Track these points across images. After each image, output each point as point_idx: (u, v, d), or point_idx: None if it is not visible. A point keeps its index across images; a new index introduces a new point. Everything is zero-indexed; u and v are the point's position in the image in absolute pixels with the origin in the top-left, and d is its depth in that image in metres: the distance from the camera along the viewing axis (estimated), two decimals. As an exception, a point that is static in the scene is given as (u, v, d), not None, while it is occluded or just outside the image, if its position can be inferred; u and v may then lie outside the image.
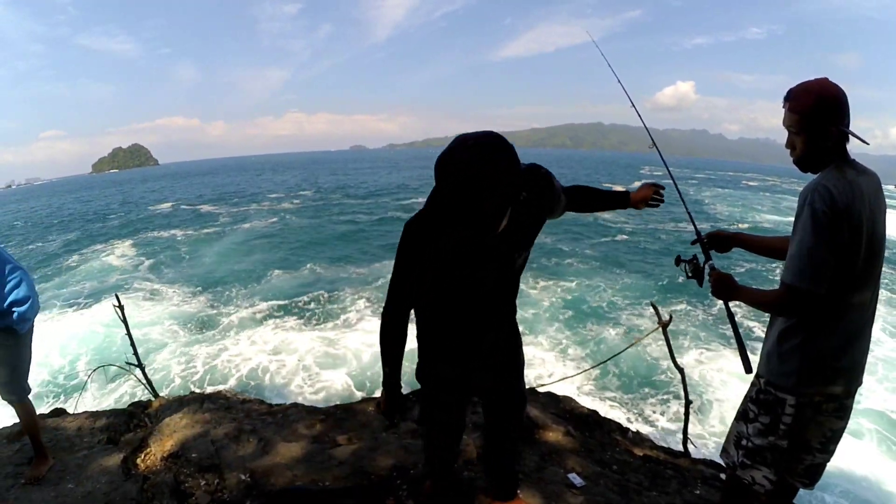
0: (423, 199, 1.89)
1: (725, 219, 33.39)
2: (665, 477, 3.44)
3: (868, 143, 2.03)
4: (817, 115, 1.82)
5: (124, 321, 5.49)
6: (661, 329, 4.25)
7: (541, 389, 4.79)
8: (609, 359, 4.94)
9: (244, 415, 4.20)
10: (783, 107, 1.91)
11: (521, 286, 2.20)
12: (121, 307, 5.50)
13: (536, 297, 15.09)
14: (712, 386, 9.49)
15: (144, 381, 5.67)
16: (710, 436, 7.63)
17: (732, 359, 10.19)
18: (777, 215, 35.60)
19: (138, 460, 3.51)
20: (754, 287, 2.09)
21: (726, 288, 2.10)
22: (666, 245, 23.82)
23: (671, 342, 4.35)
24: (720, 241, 2.42)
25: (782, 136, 1.96)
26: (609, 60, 3.10)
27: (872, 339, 2.01)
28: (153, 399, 4.88)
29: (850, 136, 1.85)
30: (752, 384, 2.11)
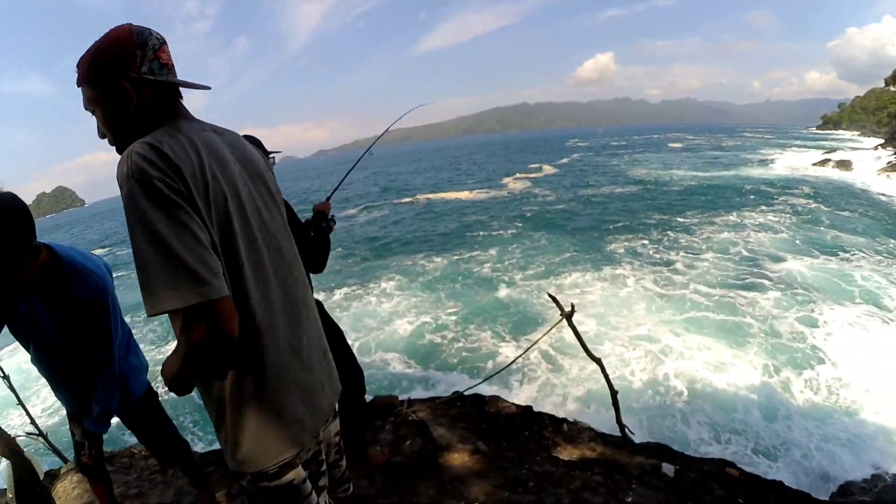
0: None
1: (648, 181, 35.12)
2: (591, 487, 3.17)
3: (209, 87, 1.51)
4: (96, 75, 1.31)
5: (12, 389, 5.07)
6: (564, 321, 4.10)
7: (467, 392, 4.59)
8: (513, 361, 4.77)
9: (136, 475, 4.02)
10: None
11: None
12: (6, 377, 5.08)
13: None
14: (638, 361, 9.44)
15: (51, 449, 5.23)
16: (648, 419, 7.59)
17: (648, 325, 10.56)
18: (695, 171, 38.10)
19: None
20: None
21: None
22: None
23: (579, 331, 4.20)
24: None
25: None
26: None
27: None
28: (63, 465, 4.60)
29: (178, 83, 1.39)
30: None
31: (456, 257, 18.03)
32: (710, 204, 24.58)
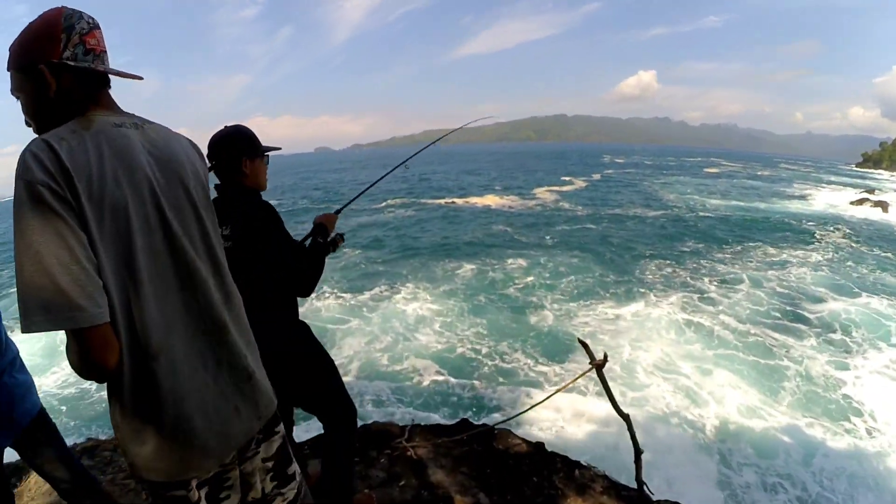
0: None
1: (681, 206, 34.35)
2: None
3: (141, 78, 1.39)
4: (21, 59, 1.23)
5: None
6: (594, 370, 3.68)
7: (477, 423, 4.26)
8: (536, 405, 4.32)
9: (111, 476, 3.69)
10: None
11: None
12: None
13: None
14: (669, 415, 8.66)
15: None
16: (673, 479, 7.00)
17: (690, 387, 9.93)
18: (723, 200, 36.96)
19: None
20: None
21: None
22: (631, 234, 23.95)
23: (609, 385, 3.77)
24: None
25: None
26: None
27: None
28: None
29: (103, 71, 1.29)
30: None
31: (483, 268, 17.64)
32: (745, 235, 23.80)
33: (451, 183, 53.07)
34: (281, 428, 1.62)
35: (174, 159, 1.36)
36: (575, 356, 10.23)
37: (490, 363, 10.42)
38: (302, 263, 2.32)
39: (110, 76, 1.34)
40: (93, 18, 1.29)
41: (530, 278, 16.23)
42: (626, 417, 3.62)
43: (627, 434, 3.64)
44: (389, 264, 19.06)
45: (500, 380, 9.78)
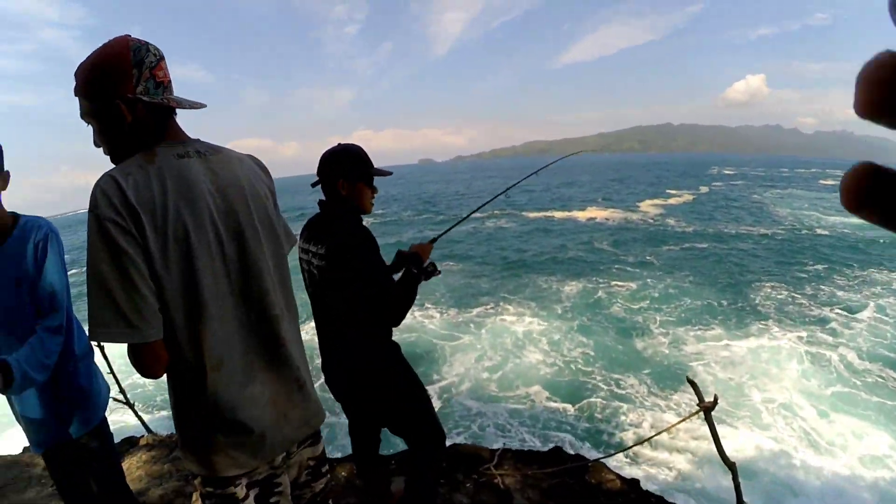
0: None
1: (795, 223, 31.94)
2: None
3: (204, 105, 1.48)
4: (92, 90, 1.32)
5: (104, 357, 5.24)
6: (702, 412, 3.37)
7: (570, 453, 3.99)
8: (637, 444, 3.99)
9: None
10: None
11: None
12: (100, 346, 5.23)
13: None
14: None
15: (136, 417, 5.53)
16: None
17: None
18: (841, 216, 33.42)
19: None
20: None
21: None
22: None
23: (716, 427, 3.44)
24: None
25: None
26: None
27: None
28: (146, 435, 4.87)
29: (170, 105, 1.39)
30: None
31: (588, 286, 17.29)
32: (868, 257, 21.58)
33: (552, 195, 52.53)
34: (321, 435, 1.78)
35: (235, 185, 1.45)
36: (683, 390, 9.82)
37: (594, 390, 10.16)
38: (393, 290, 2.26)
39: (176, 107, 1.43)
40: (158, 49, 1.38)
41: (636, 299, 15.77)
42: (731, 466, 3.40)
43: (732, 482, 3.45)
44: (493, 279, 19.07)
45: (603, 409, 9.46)
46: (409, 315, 2.32)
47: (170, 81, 1.41)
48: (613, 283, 17.66)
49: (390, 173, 2.45)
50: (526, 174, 3.86)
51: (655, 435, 3.86)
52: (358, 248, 2.21)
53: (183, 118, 1.49)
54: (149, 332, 1.26)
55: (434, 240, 2.76)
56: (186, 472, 3.25)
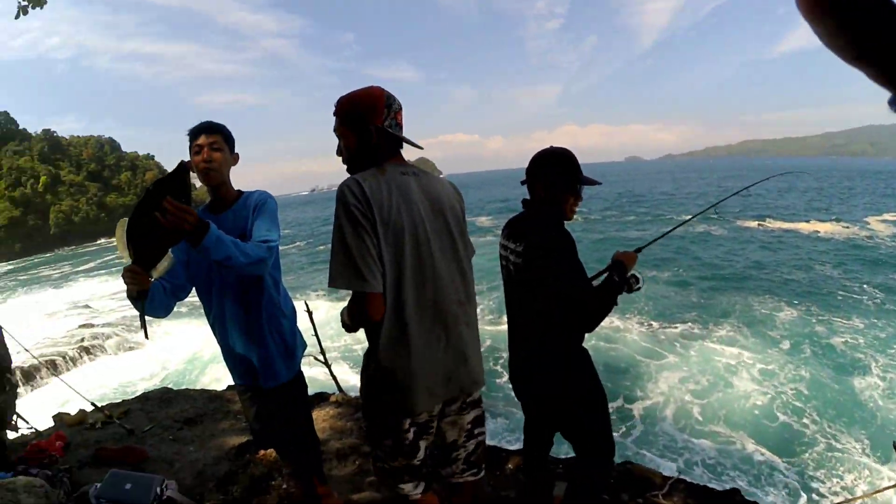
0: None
1: None
2: None
3: (422, 147, 2.13)
4: (352, 116, 1.90)
5: (311, 319, 5.92)
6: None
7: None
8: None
9: None
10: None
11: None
12: (309, 312, 5.83)
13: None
14: None
15: (331, 377, 6.14)
16: None
17: None
18: None
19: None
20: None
21: None
22: None
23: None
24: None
25: None
26: None
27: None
28: (336, 393, 5.41)
29: (401, 139, 1.95)
30: None
31: (805, 314, 15.18)
32: None
33: (769, 200, 47.28)
34: (482, 405, 2.14)
35: (437, 200, 1.94)
36: None
37: (798, 436, 8.99)
38: (590, 295, 2.27)
39: (403, 141, 1.97)
40: (399, 102, 1.94)
41: (859, 334, 13.50)
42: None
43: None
44: (700, 294, 17.84)
45: (801, 457, 8.36)
46: (608, 323, 2.29)
47: (402, 126, 1.95)
48: (834, 313, 15.23)
49: (598, 183, 2.51)
50: (744, 181, 3.50)
51: (854, 499, 3.43)
52: (555, 251, 2.25)
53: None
54: (374, 284, 1.73)
55: (639, 249, 2.69)
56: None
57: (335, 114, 1.94)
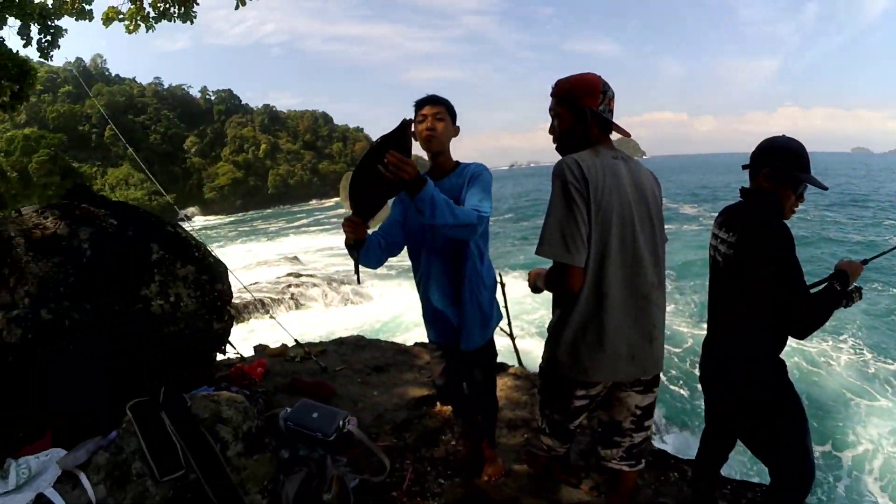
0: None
1: None
2: None
3: (629, 135, 2.14)
4: (570, 98, 2.02)
5: (504, 296, 5.87)
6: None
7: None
8: None
9: None
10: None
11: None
12: (502, 284, 6.00)
13: None
14: None
15: (514, 349, 6.25)
16: None
17: None
18: None
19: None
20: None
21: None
22: None
23: None
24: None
25: None
26: None
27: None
28: (516, 366, 5.60)
29: (612, 124, 2.06)
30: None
31: None
32: None
33: None
34: (656, 390, 2.17)
35: (642, 186, 2.03)
36: None
37: None
38: (807, 300, 2.11)
39: (611, 126, 2.07)
40: (613, 90, 2.05)
41: None
42: None
43: None
44: None
45: None
46: (816, 342, 2.05)
47: (612, 112, 2.06)
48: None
49: (825, 188, 2.31)
50: None
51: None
52: (771, 243, 2.10)
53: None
54: (578, 258, 1.88)
55: (866, 261, 2.45)
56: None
57: (553, 94, 2.08)
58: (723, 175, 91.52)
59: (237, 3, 7.00)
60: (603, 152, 1.97)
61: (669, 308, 13.92)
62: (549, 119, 2.14)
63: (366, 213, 2.16)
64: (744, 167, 2.40)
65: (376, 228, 2.49)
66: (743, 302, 2.22)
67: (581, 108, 1.99)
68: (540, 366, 2.21)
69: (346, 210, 2.18)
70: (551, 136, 2.14)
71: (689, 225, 31.11)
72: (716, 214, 2.47)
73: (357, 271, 2.35)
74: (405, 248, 2.79)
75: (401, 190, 2.07)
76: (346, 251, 2.31)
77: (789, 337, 2.24)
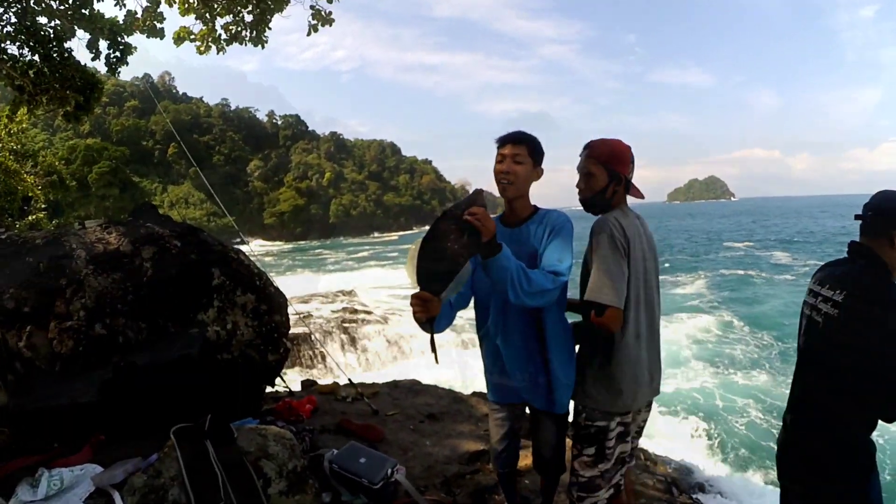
0: None
1: None
2: None
3: (643, 197, 2.41)
4: (609, 162, 2.29)
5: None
6: None
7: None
8: None
9: None
10: (580, 155, 2.39)
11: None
12: None
13: None
14: None
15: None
16: None
17: None
18: None
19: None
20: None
21: None
22: None
23: None
24: None
25: None
26: None
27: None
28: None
29: (634, 188, 2.38)
30: (573, 423, 2.48)
31: None
32: None
33: None
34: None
35: (651, 241, 2.42)
36: None
37: None
38: None
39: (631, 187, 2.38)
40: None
41: None
42: None
43: None
44: None
45: None
46: None
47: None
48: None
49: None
50: None
51: None
52: (887, 309, 1.86)
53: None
54: (619, 302, 2.12)
55: None
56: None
57: (590, 155, 2.32)
58: (815, 219, 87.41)
59: (309, 30, 7.11)
60: (628, 212, 2.36)
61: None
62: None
63: (437, 289, 1.99)
64: (857, 217, 2.12)
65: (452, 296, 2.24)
66: (845, 368, 1.97)
67: (617, 174, 2.29)
68: (574, 411, 2.46)
69: (411, 281, 2.02)
70: (577, 190, 2.39)
71: (781, 275, 28.68)
72: (812, 263, 2.24)
73: (433, 349, 2.12)
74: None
75: (475, 253, 1.98)
76: (407, 292, 2.12)
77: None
